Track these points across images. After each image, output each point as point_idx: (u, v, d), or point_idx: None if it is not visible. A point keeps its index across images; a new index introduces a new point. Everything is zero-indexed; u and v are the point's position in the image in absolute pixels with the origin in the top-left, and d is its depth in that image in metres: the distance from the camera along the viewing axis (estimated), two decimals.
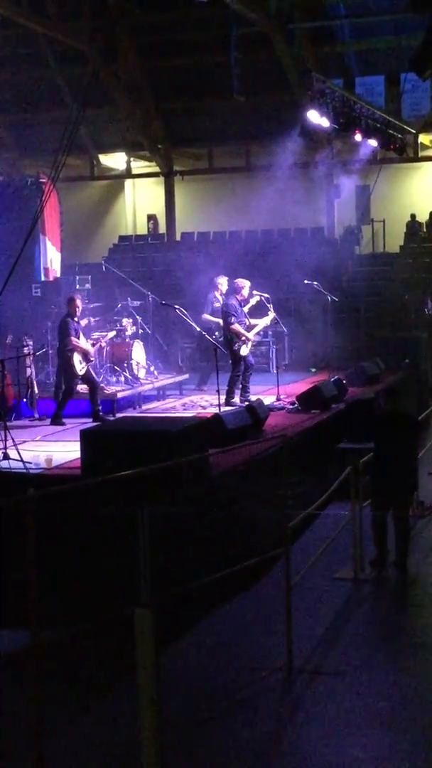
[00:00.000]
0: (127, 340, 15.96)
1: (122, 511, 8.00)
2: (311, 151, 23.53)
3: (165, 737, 5.62)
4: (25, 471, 10.42)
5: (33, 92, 27.71)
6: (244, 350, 14.70)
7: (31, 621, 5.40)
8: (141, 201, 31.70)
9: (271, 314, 15.26)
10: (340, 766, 6.07)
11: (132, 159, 30.64)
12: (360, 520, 9.67)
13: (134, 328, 16.41)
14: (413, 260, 26.10)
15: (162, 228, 30.48)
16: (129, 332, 16.11)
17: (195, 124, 28.66)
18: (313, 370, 19.05)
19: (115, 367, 15.57)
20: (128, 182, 31.64)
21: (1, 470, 10.64)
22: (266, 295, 15.34)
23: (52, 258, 19.05)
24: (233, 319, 14.54)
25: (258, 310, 15.30)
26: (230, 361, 14.81)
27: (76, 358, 13.71)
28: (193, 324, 15.51)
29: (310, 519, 10.31)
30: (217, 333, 15.25)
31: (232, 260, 20.67)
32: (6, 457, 11.02)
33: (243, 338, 14.59)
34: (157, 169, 30.00)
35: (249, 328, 14.77)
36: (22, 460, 10.70)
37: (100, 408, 13.81)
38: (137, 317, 16.75)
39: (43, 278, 18.50)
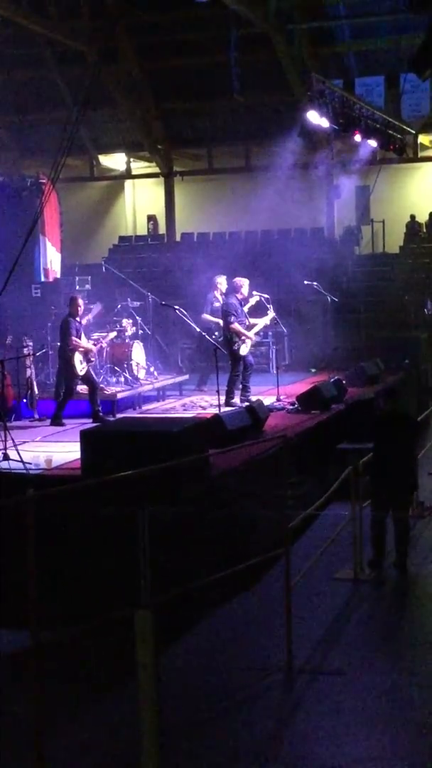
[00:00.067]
0: (126, 340, 15.95)
1: (122, 511, 8.01)
2: (311, 152, 23.55)
3: (165, 737, 5.62)
4: (25, 471, 10.42)
5: (33, 93, 27.76)
6: (244, 350, 14.70)
7: (31, 621, 5.40)
8: (141, 201, 31.73)
9: (271, 314, 15.26)
10: (340, 766, 6.07)
11: (132, 159, 30.67)
12: (360, 520, 9.67)
13: (134, 328, 16.41)
14: (413, 261, 26.11)
15: (162, 228, 30.50)
16: (129, 333, 16.11)
17: (195, 125, 28.70)
18: (313, 370, 19.04)
19: (115, 368, 15.57)
20: (128, 183, 31.67)
21: (1, 471, 10.63)
22: (266, 296, 15.35)
23: (51, 259, 19.03)
24: (233, 318, 14.54)
25: (258, 310, 15.31)
26: (229, 361, 14.80)
27: (77, 358, 13.71)
28: (193, 324, 15.51)
29: (310, 519, 10.32)
30: (216, 333, 15.25)
31: (231, 261, 20.68)
32: (6, 457, 11.02)
33: (243, 337, 14.59)
34: (156, 170, 30.03)
35: (249, 327, 14.78)
36: (22, 461, 10.70)
37: (99, 408, 13.81)
38: (137, 318, 16.75)
39: (42, 279, 18.49)
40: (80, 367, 13.71)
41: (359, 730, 6.49)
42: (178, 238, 29.84)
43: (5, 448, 11.16)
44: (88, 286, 17.78)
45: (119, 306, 16.98)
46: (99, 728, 6.75)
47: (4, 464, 10.89)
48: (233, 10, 22.15)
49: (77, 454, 10.31)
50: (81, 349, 13.75)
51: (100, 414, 13.73)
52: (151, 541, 6.91)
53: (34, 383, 14.68)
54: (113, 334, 15.39)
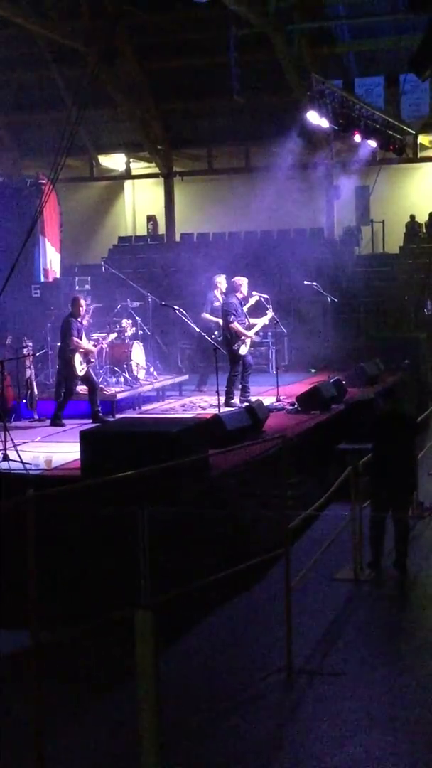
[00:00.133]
0: (126, 341, 15.95)
1: (122, 512, 8.01)
2: (311, 152, 23.58)
3: (165, 738, 5.62)
4: (24, 472, 10.42)
5: (32, 93, 27.78)
6: (243, 350, 14.70)
7: (31, 621, 5.40)
8: (140, 202, 31.74)
9: (270, 314, 15.27)
10: (341, 766, 6.08)
11: (131, 160, 30.69)
12: (360, 520, 9.67)
13: (134, 329, 16.40)
14: (413, 261, 26.11)
15: (161, 229, 30.51)
16: (128, 333, 16.11)
17: (194, 125, 28.71)
18: (313, 370, 19.05)
19: (115, 368, 15.57)
20: (128, 183, 31.68)
21: (1, 471, 10.63)
22: (266, 296, 15.36)
23: (51, 259, 19.03)
24: (233, 317, 14.53)
25: (257, 310, 15.31)
26: (228, 361, 14.80)
27: (77, 358, 13.70)
28: (193, 325, 15.52)
29: (310, 519, 10.31)
30: (216, 333, 15.25)
31: (231, 261, 20.67)
32: (6, 458, 11.02)
33: (242, 337, 14.59)
34: (156, 170, 30.04)
35: (248, 327, 14.78)
36: (21, 461, 10.70)
37: (99, 409, 13.80)
38: (137, 318, 16.75)
39: (42, 279, 18.49)
40: (80, 367, 13.71)
41: (359, 731, 6.49)
42: (177, 238, 29.85)
43: (5, 449, 11.16)
44: (87, 287, 17.78)
45: (119, 306, 16.98)
46: (99, 728, 6.75)
47: (4, 465, 10.89)
48: (233, 11, 22.14)
49: (77, 455, 10.32)
50: (81, 350, 13.75)
51: (100, 414, 13.73)
52: (150, 542, 6.91)
53: (34, 383, 14.67)
54: (114, 336, 15.38)
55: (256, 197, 23.72)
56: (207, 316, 15.82)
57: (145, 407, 15.55)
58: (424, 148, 27.94)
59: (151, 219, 31.04)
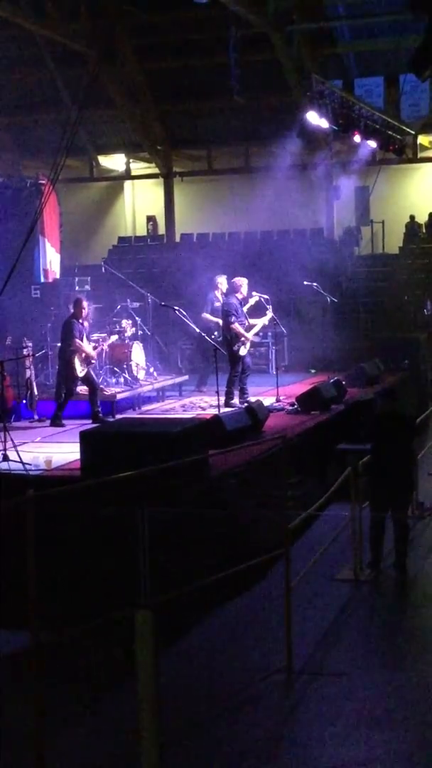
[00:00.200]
0: (126, 341, 15.96)
1: (122, 512, 8.02)
2: (310, 153, 23.58)
3: (165, 738, 5.62)
4: (24, 472, 10.43)
5: (32, 94, 27.76)
6: (243, 351, 14.70)
7: (31, 622, 5.40)
8: (140, 202, 31.75)
9: (269, 314, 15.27)
10: (341, 766, 6.08)
11: (131, 160, 30.69)
12: (359, 521, 9.67)
13: (134, 329, 16.41)
14: (412, 261, 26.13)
15: (161, 229, 30.51)
16: (128, 333, 16.11)
17: (194, 126, 28.71)
18: (313, 371, 19.05)
19: (115, 369, 15.57)
20: (127, 183, 31.69)
21: (1, 471, 10.64)
22: (265, 296, 15.36)
23: (51, 259, 19.04)
24: (233, 318, 14.54)
25: (257, 311, 15.31)
26: (228, 362, 14.80)
27: (77, 359, 13.70)
28: (192, 325, 15.52)
29: (310, 520, 10.31)
30: (216, 333, 15.25)
31: (231, 261, 20.67)
32: (6, 458, 11.03)
33: (242, 338, 14.60)
34: (156, 171, 30.04)
35: (248, 328, 14.78)
36: (21, 462, 10.70)
37: (99, 409, 13.81)
38: (137, 318, 16.75)
39: (42, 280, 18.49)
40: (80, 368, 13.71)
41: (359, 731, 6.49)
42: (177, 238, 29.85)
43: (5, 449, 11.17)
44: (87, 287, 17.79)
45: (119, 307, 16.99)
46: (99, 728, 6.75)
47: (4, 465, 10.90)
48: (233, 11, 22.15)
49: (77, 455, 10.33)
50: (83, 354, 13.74)
51: (100, 415, 13.73)
52: (150, 542, 6.92)
53: (34, 384, 14.68)
54: (114, 338, 15.38)
55: (255, 197, 23.72)
56: (207, 316, 15.82)
57: (145, 408, 15.56)
58: (423, 148, 27.94)
59: (150, 219, 31.05)
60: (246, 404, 13.37)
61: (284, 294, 20.36)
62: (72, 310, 14.24)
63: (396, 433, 9.94)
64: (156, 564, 7.00)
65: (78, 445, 10.17)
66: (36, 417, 14.45)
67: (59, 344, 14.26)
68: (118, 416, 14.11)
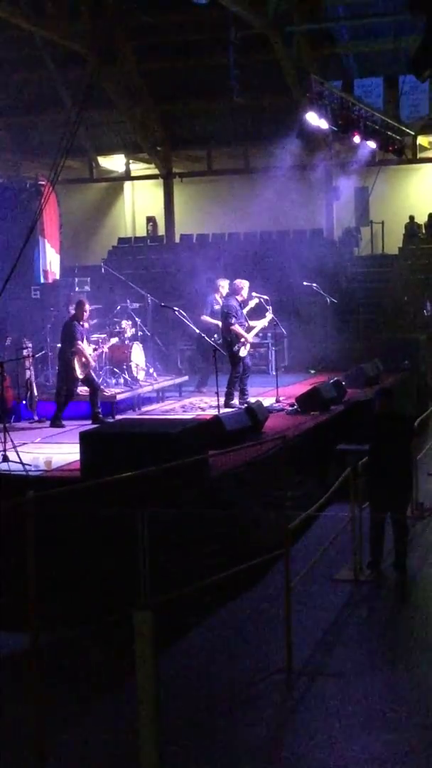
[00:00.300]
0: (126, 342, 15.96)
1: (122, 513, 8.01)
2: (310, 153, 23.59)
3: (165, 738, 5.63)
4: (24, 473, 10.43)
5: (32, 94, 27.77)
6: (243, 352, 14.70)
7: (31, 623, 5.41)
8: (140, 203, 31.76)
9: (269, 315, 15.27)
10: (341, 766, 6.08)
11: (131, 161, 30.70)
12: (359, 521, 9.68)
13: (133, 330, 16.41)
14: (412, 262, 26.14)
15: (161, 230, 30.52)
16: (128, 334, 16.11)
17: (194, 126, 28.72)
18: (312, 371, 19.06)
19: (115, 369, 15.57)
20: (127, 184, 31.70)
21: (1, 472, 10.64)
22: (265, 297, 15.37)
23: (51, 260, 19.03)
24: (233, 320, 14.54)
25: (256, 312, 15.32)
26: (228, 363, 14.81)
27: (77, 361, 13.71)
28: (192, 326, 15.52)
29: (310, 520, 10.32)
30: (216, 335, 15.26)
31: (231, 262, 20.71)
32: (6, 459, 11.03)
33: (242, 339, 14.60)
34: (156, 171, 30.05)
35: (248, 329, 14.79)
36: (21, 462, 10.70)
37: (99, 410, 13.81)
38: (136, 319, 16.75)
39: (42, 280, 18.49)
40: (80, 370, 13.72)
41: (359, 731, 6.49)
42: (177, 239, 29.85)
43: (5, 450, 11.17)
44: (87, 288, 17.79)
45: (118, 307, 16.99)
46: (99, 728, 6.75)
47: (4, 466, 10.90)
48: (232, 12, 22.15)
49: (77, 456, 10.32)
50: (83, 359, 13.74)
51: (100, 416, 13.73)
52: (150, 543, 6.91)
53: (34, 385, 14.68)
54: (114, 340, 15.37)
55: (255, 198, 23.72)
56: (207, 318, 15.83)
57: (144, 408, 15.56)
58: (423, 149, 27.95)
59: (150, 220, 31.05)
60: (246, 405, 13.37)
61: (284, 295, 20.36)
62: (73, 312, 14.24)
63: (395, 433, 9.94)
64: (156, 564, 6.99)
65: (78, 445, 10.17)
66: (36, 418, 14.45)
67: (59, 345, 14.26)
68: (118, 417, 14.12)
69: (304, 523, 10.01)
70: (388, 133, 22.28)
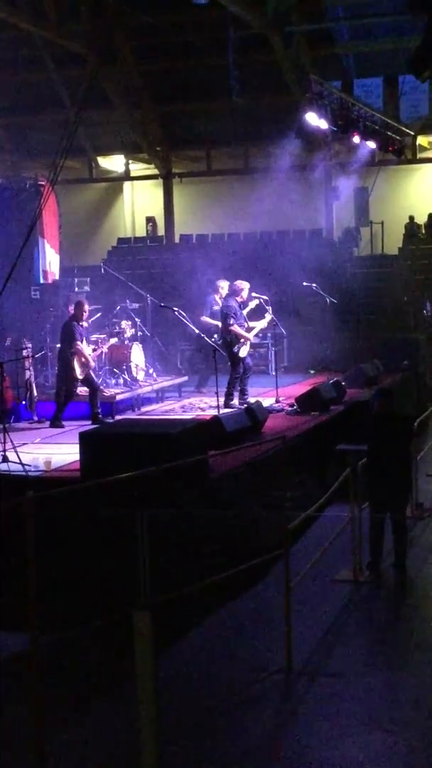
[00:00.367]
0: (126, 342, 15.96)
1: (122, 513, 8.01)
2: (310, 153, 23.57)
3: (165, 738, 5.63)
4: (24, 473, 10.42)
5: (31, 95, 27.77)
6: (243, 352, 14.70)
7: (31, 623, 5.41)
8: (140, 203, 31.77)
9: (269, 316, 15.27)
10: (341, 766, 6.08)
11: (130, 161, 30.71)
12: (359, 521, 9.68)
13: (133, 330, 16.41)
14: (412, 262, 26.16)
15: (161, 230, 30.53)
16: (128, 334, 16.11)
17: (193, 127, 28.73)
18: (312, 371, 19.06)
19: (114, 370, 15.57)
20: (127, 184, 31.71)
21: (1, 473, 10.64)
22: (265, 297, 15.37)
23: (50, 260, 19.02)
24: (233, 320, 14.54)
25: (256, 312, 15.32)
26: (229, 363, 14.82)
27: (77, 362, 13.71)
28: (192, 326, 15.52)
29: (310, 520, 10.31)
30: (215, 336, 15.26)
31: (230, 262, 20.69)
32: (5, 459, 11.03)
33: (242, 340, 14.60)
34: (155, 172, 30.06)
35: (247, 330, 14.78)
36: (21, 463, 10.70)
37: (99, 410, 13.81)
38: (136, 319, 16.76)
39: (41, 281, 18.48)
40: (79, 370, 13.72)
41: (359, 732, 6.49)
42: (176, 239, 29.87)
43: (4, 450, 11.17)
44: (87, 288, 17.80)
45: (118, 308, 16.99)
46: (99, 728, 6.75)
47: (4, 466, 10.90)
48: (232, 12, 22.16)
49: (76, 456, 10.32)
50: (83, 359, 13.74)
51: (100, 416, 13.73)
52: (150, 543, 6.91)
53: (33, 385, 14.68)
54: (114, 340, 15.37)
55: (255, 198, 23.72)
56: (206, 319, 15.83)
57: (144, 408, 15.56)
58: (423, 149, 27.97)
59: (150, 220, 31.06)
60: (245, 405, 13.37)
61: (284, 295, 20.37)
62: (72, 312, 14.24)
63: (394, 434, 9.93)
64: (156, 564, 6.99)
65: (77, 446, 10.16)
66: (35, 418, 14.45)
67: (59, 345, 14.26)
68: (118, 417, 14.12)
69: (304, 524, 10.01)
70: (388, 133, 22.29)
